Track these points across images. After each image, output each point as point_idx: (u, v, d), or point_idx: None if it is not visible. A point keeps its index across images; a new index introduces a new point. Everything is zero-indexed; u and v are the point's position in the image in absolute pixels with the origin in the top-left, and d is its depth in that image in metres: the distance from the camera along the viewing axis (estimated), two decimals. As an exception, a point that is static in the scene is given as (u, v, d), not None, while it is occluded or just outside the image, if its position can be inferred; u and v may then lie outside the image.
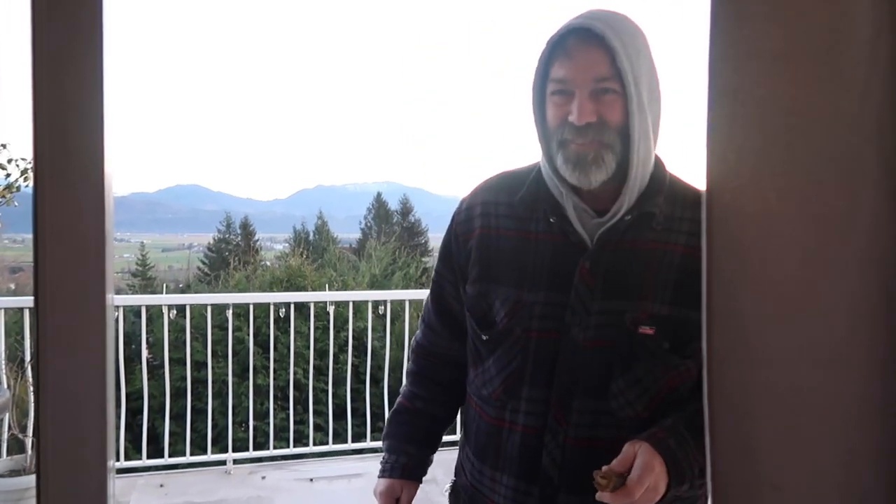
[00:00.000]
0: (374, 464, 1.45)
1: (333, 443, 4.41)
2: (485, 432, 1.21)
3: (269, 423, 4.36)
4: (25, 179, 3.60)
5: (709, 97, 0.48)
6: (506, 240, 1.18)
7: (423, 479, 1.37)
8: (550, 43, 1.09)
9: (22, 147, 3.63)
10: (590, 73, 1.05)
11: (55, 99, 0.80)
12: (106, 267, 0.84)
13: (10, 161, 3.53)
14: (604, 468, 0.98)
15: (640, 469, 0.96)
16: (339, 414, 4.67)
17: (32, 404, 3.69)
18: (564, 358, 1.11)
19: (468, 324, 1.25)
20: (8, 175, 3.55)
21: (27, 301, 3.96)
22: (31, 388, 3.66)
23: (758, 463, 0.51)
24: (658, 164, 1.15)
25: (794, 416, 0.49)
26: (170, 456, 4.06)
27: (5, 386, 3.58)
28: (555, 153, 1.10)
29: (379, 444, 1.47)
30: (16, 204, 3.62)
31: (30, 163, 3.57)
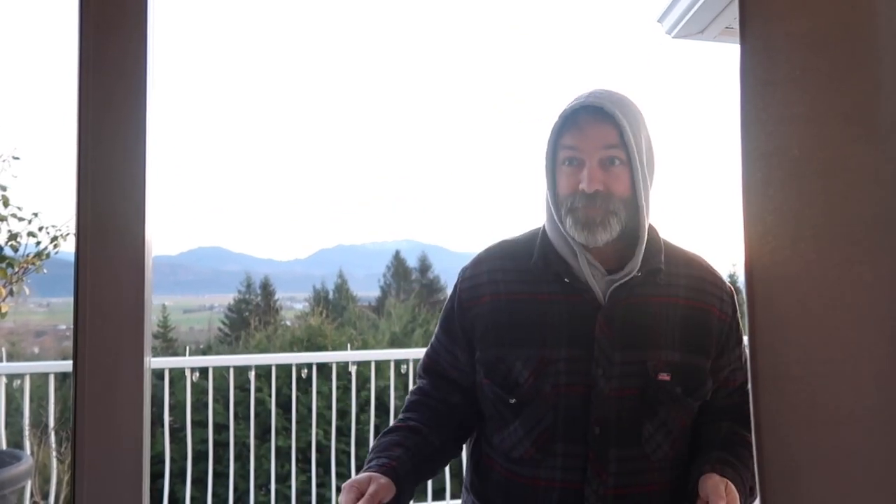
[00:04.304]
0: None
1: (356, 506, 4.31)
2: (520, 495, 1.20)
3: (290, 487, 4.28)
4: (55, 246, 3.68)
5: (742, 161, 0.49)
6: (518, 303, 1.22)
7: None
8: (563, 116, 1.19)
9: (52, 214, 3.73)
10: (599, 143, 1.16)
11: (98, 170, 0.84)
12: (144, 332, 0.86)
13: (40, 229, 3.61)
14: None
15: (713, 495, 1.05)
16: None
17: (55, 471, 3.67)
18: (596, 410, 1.15)
19: (488, 391, 1.24)
20: (38, 243, 3.63)
21: (51, 366, 4.00)
22: (54, 455, 3.65)
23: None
24: (651, 227, 1.25)
25: (847, 481, 0.48)
26: (190, 522, 3.99)
27: (28, 452, 3.57)
28: (564, 217, 1.19)
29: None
30: (45, 271, 3.69)
31: (59, 230, 3.66)
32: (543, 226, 1.28)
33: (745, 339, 0.53)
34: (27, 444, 3.64)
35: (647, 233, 1.20)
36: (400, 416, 1.32)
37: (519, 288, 1.24)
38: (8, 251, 3.49)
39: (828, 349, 0.49)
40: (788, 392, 0.49)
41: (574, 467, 1.15)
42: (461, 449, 1.34)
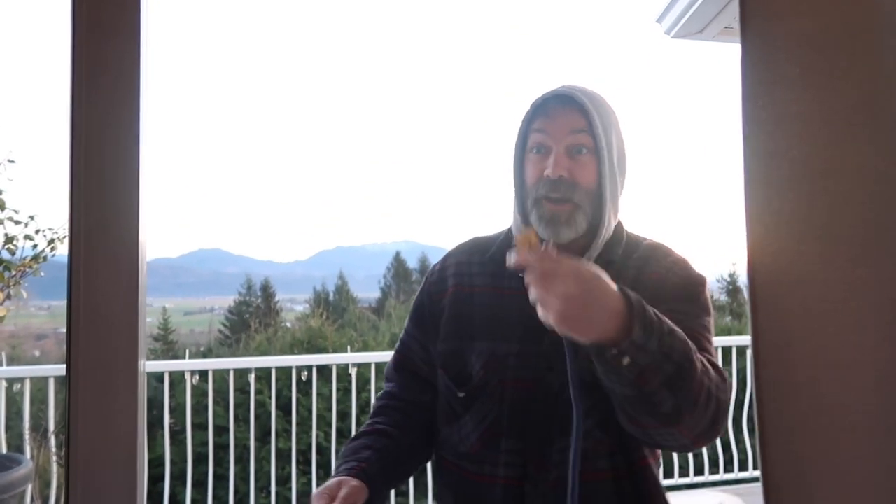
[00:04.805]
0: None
1: (357, 508, 4.29)
2: (468, 492, 1.18)
3: (290, 489, 4.27)
4: (52, 249, 3.68)
5: (743, 160, 0.48)
6: (479, 296, 1.23)
7: None
8: (533, 105, 1.19)
9: (49, 217, 3.72)
10: (566, 128, 1.15)
11: (91, 172, 0.83)
12: (139, 335, 0.85)
13: (37, 232, 3.61)
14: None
15: (569, 261, 0.89)
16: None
17: (55, 475, 3.66)
18: (540, 405, 1.13)
19: (441, 383, 1.24)
20: (35, 246, 3.63)
21: (51, 370, 3.99)
22: (54, 458, 3.64)
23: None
24: (619, 223, 1.24)
25: (852, 484, 0.47)
26: (191, 525, 3.98)
27: (28, 456, 3.56)
28: (529, 210, 1.17)
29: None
30: (42, 274, 3.69)
31: (56, 232, 3.65)
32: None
33: (744, 342, 0.52)
34: (27, 448, 3.63)
35: (607, 227, 1.18)
36: (367, 420, 1.31)
37: (481, 281, 1.24)
38: (5, 254, 3.49)
39: (832, 352, 0.48)
40: (793, 396, 0.48)
41: (514, 463, 1.13)
42: (432, 451, 1.33)
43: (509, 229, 1.28)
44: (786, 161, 0.48)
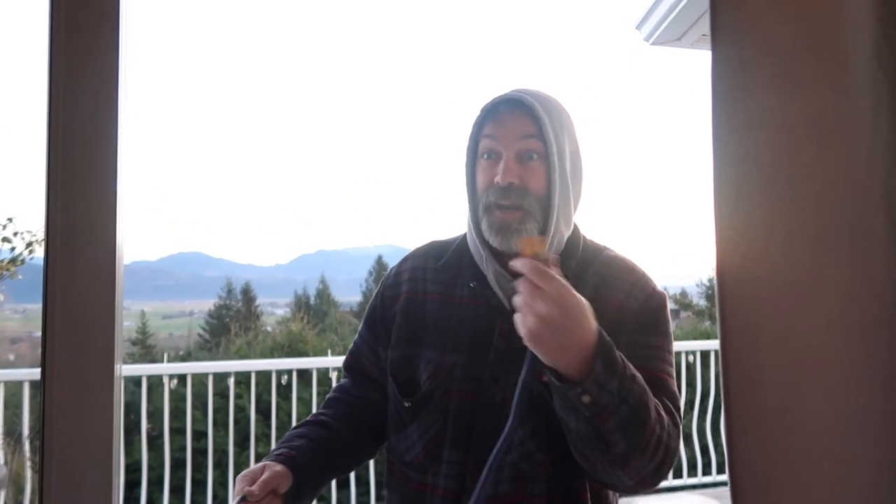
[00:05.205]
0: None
1: (337, 513, 4.28)
2: (412, 499, 1.17)
3: (270, 495, 4.24)
4: (30, 252, 3.63)
5: (714, 166, 0.49)
6: (431, 303, 1.21)
7: None
8: (483, 110, 1.16)
9: (27, 219, 3.67)
10: (516, 133, 1.12)
11: (68, 174, 0.82)
12: (115, 339, 0.84)
13: (15, 234, 3.56)
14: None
15: (559, 283, 0.89)
16: (342, 482, 4.56)
17: (29, 481, 3.60)
18: (482, 417, 1.11)
19: (390, 390, 1.23)
20: (13, 248, 3.58)
21: (26, 374, 3.93)
22: (29, 464, 3.58)
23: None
24: (575, 229, 1.21)
25: (819, 484, 0.48)
26: (169, 531, 3.94)
27: (2, 462, 3.50)
28: (480, 217, 1.15)
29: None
30: (20, 277, 3.64)
31: (34, 235, 3.60)
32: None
33: (717, 344, 0.53)
34: (1, 453, 3.56)
35: (557, 237, 1.14)
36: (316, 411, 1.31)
37: (434, 288, 1.22)
38: (-19, 257, 3.44)
39: (800, 354, 0.49)
40: (760, 397, 0.49)
41: (455, 475, 1.12)
42: (376, 449, 1.33)
43: (464, 235, 1.24)
44: (755, 167, 0.50)
